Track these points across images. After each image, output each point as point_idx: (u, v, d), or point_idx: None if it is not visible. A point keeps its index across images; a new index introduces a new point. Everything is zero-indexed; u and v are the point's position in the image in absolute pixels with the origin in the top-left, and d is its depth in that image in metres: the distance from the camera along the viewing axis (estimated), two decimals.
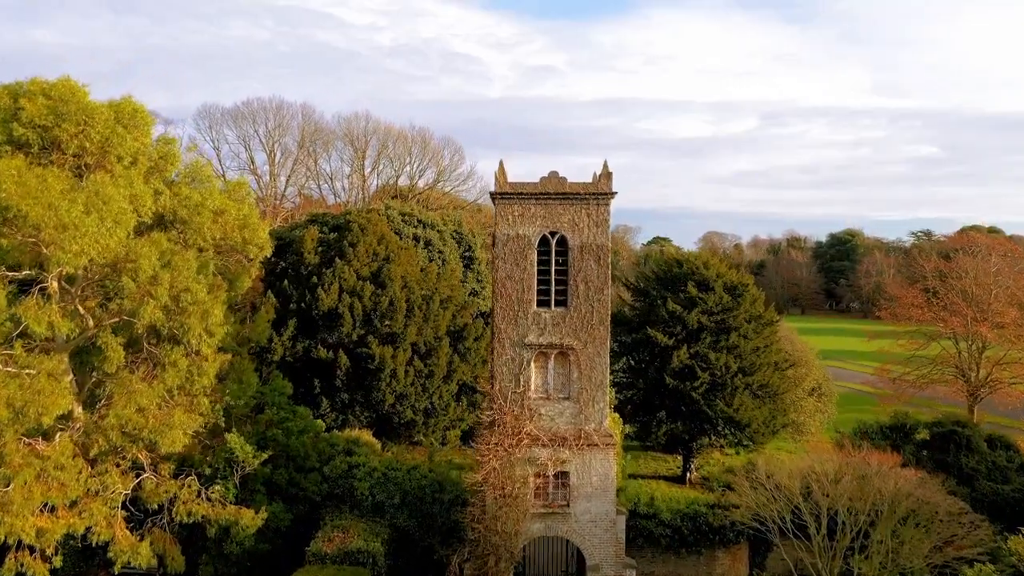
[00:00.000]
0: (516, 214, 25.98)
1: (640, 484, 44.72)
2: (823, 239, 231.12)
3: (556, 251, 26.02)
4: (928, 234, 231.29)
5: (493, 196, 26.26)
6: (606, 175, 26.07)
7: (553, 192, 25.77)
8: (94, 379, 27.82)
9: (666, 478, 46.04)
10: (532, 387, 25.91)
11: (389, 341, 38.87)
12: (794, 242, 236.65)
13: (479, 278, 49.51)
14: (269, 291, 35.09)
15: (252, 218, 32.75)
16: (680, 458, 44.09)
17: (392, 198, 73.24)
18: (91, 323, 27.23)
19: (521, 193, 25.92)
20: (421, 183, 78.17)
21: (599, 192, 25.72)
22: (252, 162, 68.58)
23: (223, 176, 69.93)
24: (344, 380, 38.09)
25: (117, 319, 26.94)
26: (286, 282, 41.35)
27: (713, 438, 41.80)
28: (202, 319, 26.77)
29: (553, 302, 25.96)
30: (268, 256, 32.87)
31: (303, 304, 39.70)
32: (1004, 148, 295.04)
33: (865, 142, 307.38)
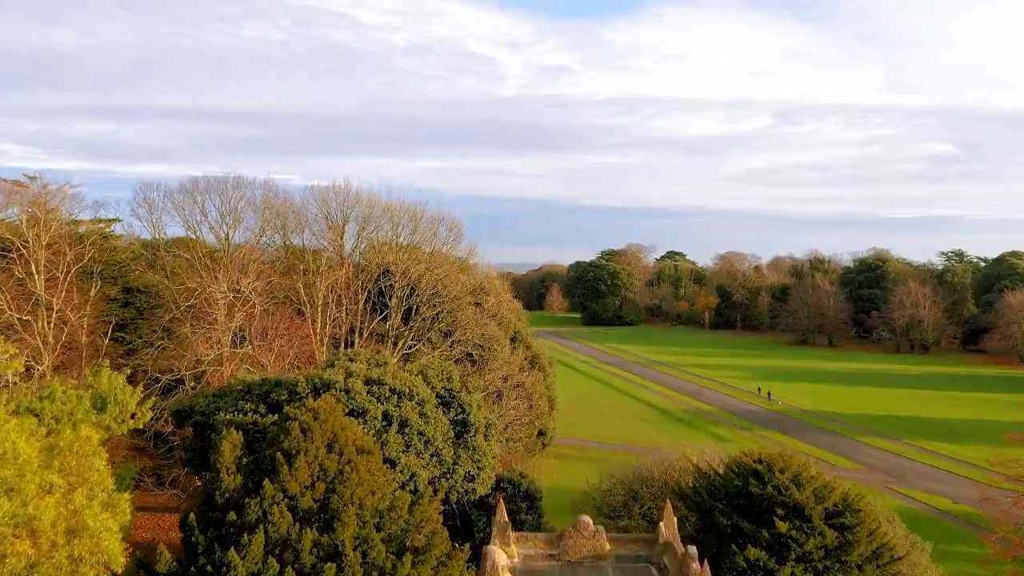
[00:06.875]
0: None
1: None
2: (847, 259, 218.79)
3: None
4: (959, 255, 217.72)
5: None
6: (670, 519, 13.22)
7: (590, 555, 13.04)
8: None
9: None
10: None
11: None
12: (818, 264, 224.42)
13: (476, 456, 36.62)
14: None
15: (90, 511, 20.15)
16: None
17: (377, 285, 60.47)
18: None
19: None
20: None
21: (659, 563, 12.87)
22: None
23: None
24: None
25: None
26: (192, 516, 28.66)
27: None
28: None
29: None
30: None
31: (212, 564, 26.95)
32: (1019, 146, 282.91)
33: (878, 140, 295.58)
